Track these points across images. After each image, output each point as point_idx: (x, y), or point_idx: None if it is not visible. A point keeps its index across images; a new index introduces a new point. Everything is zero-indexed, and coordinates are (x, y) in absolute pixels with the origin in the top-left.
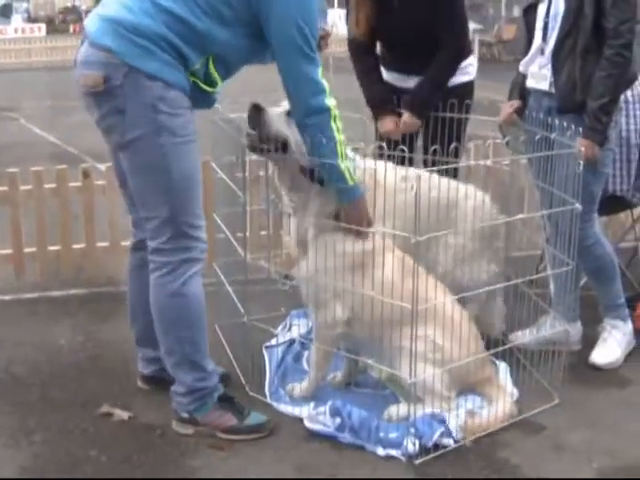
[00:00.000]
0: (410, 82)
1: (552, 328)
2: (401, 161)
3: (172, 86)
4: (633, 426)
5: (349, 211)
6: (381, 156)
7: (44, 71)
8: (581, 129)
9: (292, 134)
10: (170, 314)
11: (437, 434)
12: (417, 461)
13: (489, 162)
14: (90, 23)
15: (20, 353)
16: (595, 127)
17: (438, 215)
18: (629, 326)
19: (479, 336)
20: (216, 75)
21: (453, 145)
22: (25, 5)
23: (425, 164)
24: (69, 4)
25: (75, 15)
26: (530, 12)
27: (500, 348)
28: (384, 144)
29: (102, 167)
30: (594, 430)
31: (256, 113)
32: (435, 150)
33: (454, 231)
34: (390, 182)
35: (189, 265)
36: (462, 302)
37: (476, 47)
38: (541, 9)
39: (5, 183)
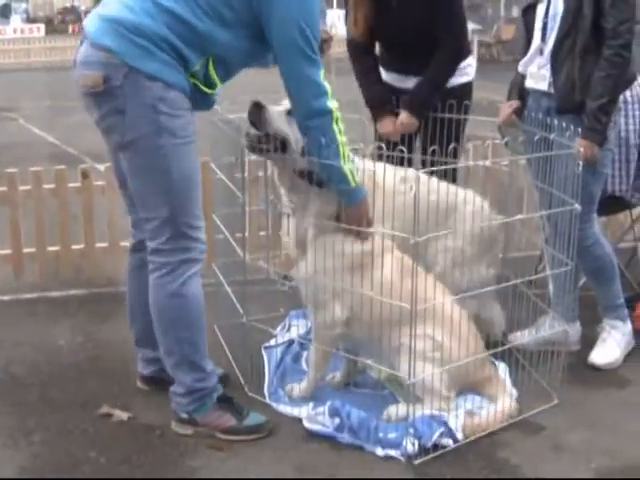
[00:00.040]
0: (409, 82)
1: (551, 328)
2: (400, 162)
3: (172, 87)
4: (632, 426)
5: (350, 212)
6: (380, 157)
7: (43, 71)
8: (580, 129)
9: (292, 133)
10: (169, 314)
11: (436, 434)
12: (416, 461)
13: (488, 163)
14: (90, 23)
15: (19, 353)
16: (594, 127)
17: (437, 219)
18: (628, 326)
19: (479, 336)
20: (215, 77)
21: (452, 146)
22: (24, 5)
23: (424, 165)
24: (68, 4)
25: (74, 15)
26: (529, 12)
27: (499, 348)
28: (383, 145)
29: (101, 167)
30: (593, 430)
31: (257, 111)
32: (434, 151)
33: (452, 230)
34: (389, 184)
35: (188, 266)
36: (460, 302)
37: (475, 47)
38: (540, 9)
39: (4, 183)
